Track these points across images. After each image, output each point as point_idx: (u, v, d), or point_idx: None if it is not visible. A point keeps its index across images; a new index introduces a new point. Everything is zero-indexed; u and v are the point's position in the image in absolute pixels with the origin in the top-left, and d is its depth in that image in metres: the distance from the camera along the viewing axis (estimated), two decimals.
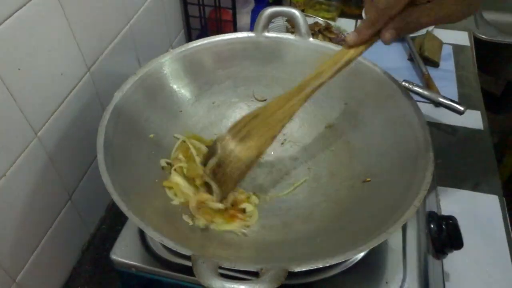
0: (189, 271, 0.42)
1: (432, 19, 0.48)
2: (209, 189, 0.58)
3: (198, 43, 0.68)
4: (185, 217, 0.55)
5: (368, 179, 0.58)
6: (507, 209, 0.73)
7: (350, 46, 0.52)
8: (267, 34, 0.69)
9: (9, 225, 0.52)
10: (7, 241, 0.52)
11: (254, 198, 0.60)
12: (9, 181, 0.51)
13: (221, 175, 0.57)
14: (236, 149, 0.56)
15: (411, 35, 1.07)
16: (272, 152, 0.68)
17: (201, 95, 0.69)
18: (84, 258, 0.68)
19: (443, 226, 0.57)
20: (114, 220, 0.73)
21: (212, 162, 0.57)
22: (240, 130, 0.57)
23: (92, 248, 0.70)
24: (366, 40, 0.51)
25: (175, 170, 0.60)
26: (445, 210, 0.70)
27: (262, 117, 0.56)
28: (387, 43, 0.50)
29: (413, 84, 0.91)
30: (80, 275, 0.66)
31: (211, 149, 0.60)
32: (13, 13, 0.47)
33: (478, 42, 1.14)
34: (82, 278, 0.66)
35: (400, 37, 0.49)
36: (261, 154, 0.57)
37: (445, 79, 0.98)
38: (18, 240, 0.54)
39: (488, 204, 0.74)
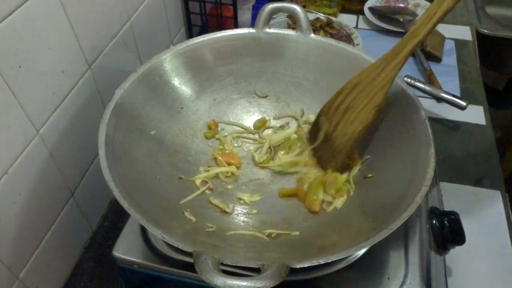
0: (191, 267, 0.42)
1: None
2: None
3: (199, 40, 0.67)
4: (187, 214, 0.55)
5: (370, 175, 0.58)
6: (509, 204, 0.73)
7: None
8: (268, 30, 0.69)
9: (11, 222, 0.52)
10: (10, 238, 0.53)
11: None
12: (11, 178, 0.51)
13: (330, 151, 0.57)
14: (340, 123, 0.55)
15: None
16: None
17: (202, 92, 0.68)
18: (87, 255, 0.69)
19: (445, 222, 0.57)
20: (116, 217, 0.73)
21: (320, 137, 0.58)
22: (342, 102, 0.55)
23: (94, 245, 0.70)
24: None
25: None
26: (447, 206, 0.70)
27: (361, 87, 0.54)
28: None
29: (415, 79, 0.91)
30: (83, 271, 0.67)
31: (315, 125, 0.60)
32: (14, 11, 0.47)
33: (480, 37, 1.13)
34: (84, 274, 0.66)
35: None
36: (367, 126, 0.55)
37: (447, 74, 0.98)
38: (21, 237, 0.54)
39: (491, 199, 0.74)
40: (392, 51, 0.52)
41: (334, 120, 0.56)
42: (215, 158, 0.64)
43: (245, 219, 0.58)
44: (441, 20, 0.49)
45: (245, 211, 0.59)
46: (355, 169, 0.60)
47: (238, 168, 0.64)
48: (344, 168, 0.60)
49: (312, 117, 0.67)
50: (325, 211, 0.57)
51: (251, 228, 0.56)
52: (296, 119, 0.69)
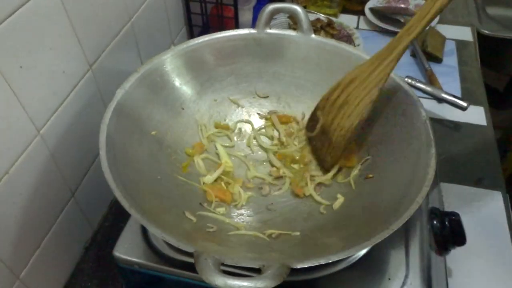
0: (191, 267, 0.42)
1: None
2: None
3: (200, 40, 0.68)
4: (188, 214, 0.55)
5: (371, 175, 0.58)
6: (510, 205, 0.73)
7: None
8: (269, 30, 0.69)
9: (12, 222, 0.52)
10: (11, 238, 0.53)
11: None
12: (12, 178, 0.51)
13: (327, 143, 0.58)
14: (337, 118, 0.57)
15: None
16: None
17: (203, 92, 0.69)
18: (87, 255, 0.69)
19: (446, 222, 0.57)
20: (116, 217, 0.73)
21: (317, 129, 0.59)
22: (338, 96, 0.57)
23: (95, 245, 0.70)
24: None
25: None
26: (448, 206, 0.70)
27: (357, 82, 0.55)
28: None
29: (416, 80, 0.91)
30: (83, 272, 0.67)
31: (312, 117, 0.61)
32: (15, 11, 0.47)
33: (481, 38, 1.13)
34: (85, 275, 0.66)
35: None
36: (363, 120, 0.56)
37: (448, 74, 0.98)
38: (21, 237, 0.54)
39: (491, 200, 0.74)
40: (387, 48, 0.54)
41: (331, 114, 0.57)
42: (205, 191, 0.60)
43: (246, 218, 0.58)
44: (434, 17, 0.50)
45: (245, 211, 0.59)
46: (355, 170, 0.60)
47: (229, 204, 0.60)
48: (341, 165, 0.62)
49: None
50: (324, 214, 0.57)
51: (251, 228, 0.56)
52: (297, 122, 0.69)
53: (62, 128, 0.59)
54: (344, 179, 0.61)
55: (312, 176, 0.61)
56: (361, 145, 0.62)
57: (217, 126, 0.68)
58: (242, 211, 0.59)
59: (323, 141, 0.60)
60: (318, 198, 0.59)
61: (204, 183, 0.61)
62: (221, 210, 0.58)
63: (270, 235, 0.54)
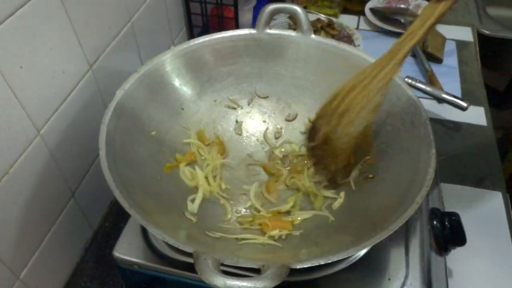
0: (191, 268, 0.42)
1: None
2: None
3: (200, 40, 0.68)
4: (187, 214, 0.55)
5: (371, 175, 0.58)
6: (510, 205, 0.73)
7: (439, 0, 0.50)
8: (269, 31, 0.69)
9: (12, 222, 0.53)
10: (11, 238, 0.53)
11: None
12: (12, 178, 0.51)
13: (331, 152, 0.57)
14: (339, 125, 0.56)
15: None
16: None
17: (203, 92, 0.69)
18: (87, 255, 0.69)
19: (446, 223, 0.57)
20: (116, 218, 0.73)
21: (319, 138, 0.58)
22: (339, 105, 0.56)
23: (95, 245, 0.70)
24: None
25: None
26: (448, 207, 0.70)
27: (358, 89, 0.54)
28: None
29: (416, 80, 0.91)
30: (83, 272, 0.67)
31: (313, 128, 0.60)
32: (15, 11, 0.47)
33: (481, 38, 1.13)
34: (85, 275, 0.66)
35: None
36: (367, 126, 0.56)
37: (448, 75, 0.98)
38: (21, 237, 0.54)
39: (492, 200, 0.74)
40: (389, 54, 0.53)
41: (332, 122, 0.57)
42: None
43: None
44: (436, 23, 0.51)
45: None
46: (356, 170, 0.60)
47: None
48: (346, 171, 0.60)
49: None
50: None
51: (251, 229, 0.56)
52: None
53: (62, 128, 0.59)
54: (344, 179, 0.61)
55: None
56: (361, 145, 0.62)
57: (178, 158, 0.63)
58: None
59: (326, 150, 0.59)
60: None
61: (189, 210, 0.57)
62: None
63: (271, 237, 0.54)
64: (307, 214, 0.57)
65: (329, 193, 0.59)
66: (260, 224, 0.55)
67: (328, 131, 0.57)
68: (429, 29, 0.51)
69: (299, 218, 0.57)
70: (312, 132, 0.62)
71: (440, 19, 0.51)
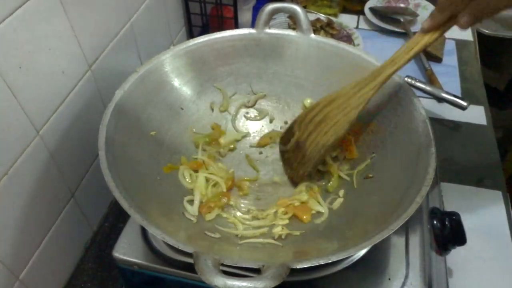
0: (191, 268, 0.42)
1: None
2: None
3: (200, 40, 0.67)
4: (187, 214, 0.55)
5: (370, 175, 0.58)
6: (510, 205, 0.73)
7: (425, 32, 0.52)
8: (268, 30, 0.69)
9: (12, 223, 0.52)
10: (10, 239, 0.53)
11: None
12: (11, 179, 0.51)
13: (300, 157, 0.60)
14: (313, 133, 0.59)
15: (412, 30, 1.06)
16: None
17: (202, 92, 0.69)
18: (87, 256, 0.69)
19: (446, 222, 0.57)
20: (116, 218, 0.73)
21: (291, 143, 0.61)
22: (317, 114, 0.59)
23: (95, 246, 0.70)
24: (440, 25, 0.51)
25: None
26: (448, 206, 0.70)
27: (337, 103, 0.57)
28: (463, 28, 0.49)
29: (416, 79, 0.90)
30: (83, 272, 0.67)
31: (288, 131, 0.63)
32: (14, 11, 0.47)
33: (481, 37, 1.13)
34: (85, 275, 0.66)
35: (479, 22, 0.49)
36: (338, 139, 0.58)
37: (448, 74, 0.98)
38: (21, 238, 0.54)
39: (492, 199, 0.74)
40: (371, 75, 0.56)
41: (307, 130, 0.60)
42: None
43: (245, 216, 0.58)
44: (419, 52, 0.54)
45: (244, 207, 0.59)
46: (362, 165, 0.60)
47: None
48: (316, 174, 0.63)
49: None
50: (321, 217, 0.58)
51: (251, 228, 0.56)
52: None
53: (62, 129, 0.59)
54: (350, 170, 0.61)
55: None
56: (361, 143, 0.62)
57: (211, 140, 0.67)
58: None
59: (296, 155, 0.62)
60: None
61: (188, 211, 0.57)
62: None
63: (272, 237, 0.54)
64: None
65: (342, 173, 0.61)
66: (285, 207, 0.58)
67: (302, 138, 0.60)
68: (412, 57, 0.53)
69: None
70: (286, 136, 0.64)
71: (423, 49, 0.54)
